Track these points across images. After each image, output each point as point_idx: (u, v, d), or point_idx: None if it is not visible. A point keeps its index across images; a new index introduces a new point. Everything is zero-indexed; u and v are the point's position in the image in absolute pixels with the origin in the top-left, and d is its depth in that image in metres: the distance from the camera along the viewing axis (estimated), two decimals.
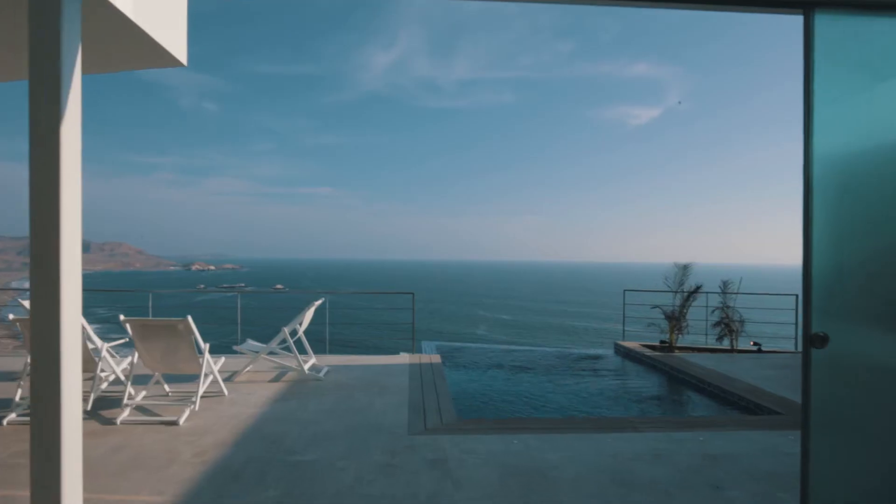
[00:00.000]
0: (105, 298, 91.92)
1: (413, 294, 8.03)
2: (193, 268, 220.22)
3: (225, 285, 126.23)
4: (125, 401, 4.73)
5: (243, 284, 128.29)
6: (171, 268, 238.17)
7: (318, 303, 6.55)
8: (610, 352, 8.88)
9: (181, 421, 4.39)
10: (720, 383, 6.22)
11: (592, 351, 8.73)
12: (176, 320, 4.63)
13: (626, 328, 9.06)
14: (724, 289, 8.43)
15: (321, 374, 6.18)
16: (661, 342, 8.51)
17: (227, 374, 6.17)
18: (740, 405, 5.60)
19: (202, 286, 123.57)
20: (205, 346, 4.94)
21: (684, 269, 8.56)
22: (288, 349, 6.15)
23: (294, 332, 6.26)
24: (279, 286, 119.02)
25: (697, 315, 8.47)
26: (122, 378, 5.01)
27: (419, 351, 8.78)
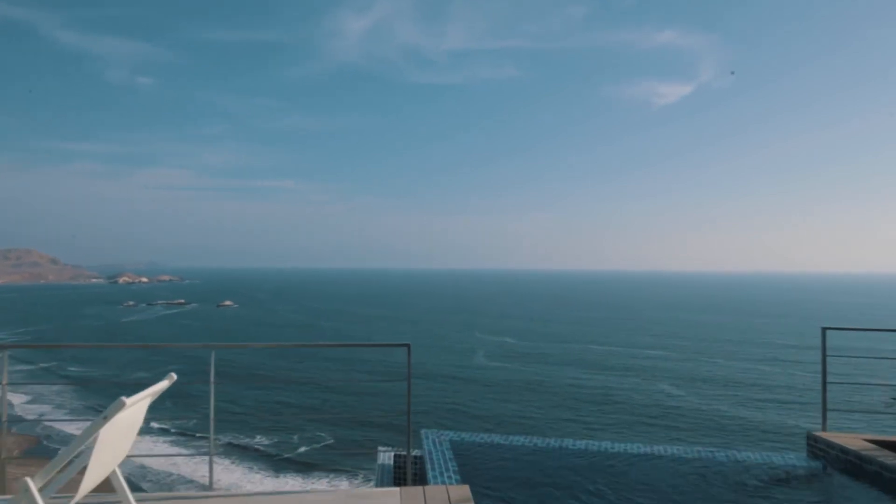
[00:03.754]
0: (20, 321, 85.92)
1: (409, 346, 4.59)
2: (121, 280, 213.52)
3: (160, 301, 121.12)
4: None
5: (182, 301, 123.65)
6: (93, 280, 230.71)
7: (159, 388, 2.95)
8: (800, 457, 5.32)
9: None
10: None
11: (758, 456, 5.14)
12: None
13: (828, 403, 5.45)
14: None
15: None
16: None
17: None
18: None
19: (131, 303, 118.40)
20: None
21: None
22: None
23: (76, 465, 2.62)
24: (228, 302, 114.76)
25: None
26: None
27: (419, 446, 5.30)
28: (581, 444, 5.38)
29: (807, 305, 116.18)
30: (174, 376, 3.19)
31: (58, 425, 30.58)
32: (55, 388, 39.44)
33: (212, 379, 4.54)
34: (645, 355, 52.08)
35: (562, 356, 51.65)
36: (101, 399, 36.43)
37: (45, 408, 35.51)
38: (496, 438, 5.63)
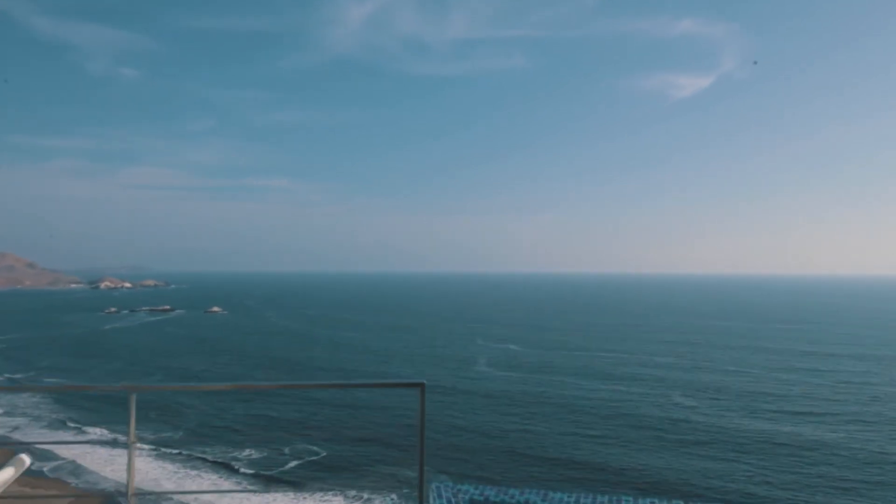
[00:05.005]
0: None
1: (423, 386, 3.68)
2: (102, 285, 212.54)
3: (144, 308, 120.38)
4: None
5: (168, 307, 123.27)
6: (73, 285, 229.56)
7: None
8: None
9: None
10: None
11: None
12: None
13: None
14: None
15: None
16: None
17: None
18: None
19: (112, 309, 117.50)
20: None
21: None
22: None
23: None
24: (216, 309, 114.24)
25: None
26: None
27: (426, 500, 4.34)
28: (645, 503, 4.41)
29: (816, 309, 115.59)
30: (26, 460, 2.40)
31: (32, 437, 30.07)
32: (32, 399, 38.80)
33: (131, 435, 3.19)
34: (655, 363, 51.28)
35: (567, 364, 50.84)
36: (77, 412, 35.62)
37: (19, 420, 34.87)
38: (530, 496, 4.64)
